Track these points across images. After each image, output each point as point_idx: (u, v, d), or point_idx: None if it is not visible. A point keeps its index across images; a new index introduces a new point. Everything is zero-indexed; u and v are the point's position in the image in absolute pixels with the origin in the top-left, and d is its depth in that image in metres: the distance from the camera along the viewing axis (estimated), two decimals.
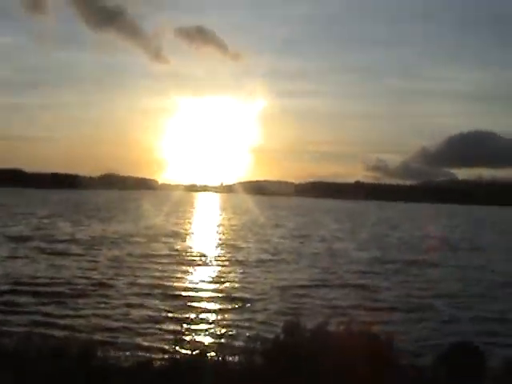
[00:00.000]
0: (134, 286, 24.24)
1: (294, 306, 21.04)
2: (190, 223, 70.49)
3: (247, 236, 54.71)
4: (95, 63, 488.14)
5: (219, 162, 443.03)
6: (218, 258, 36.17)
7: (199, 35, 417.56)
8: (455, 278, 30.69)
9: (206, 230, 60.28)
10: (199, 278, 27.46)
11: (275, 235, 55.75)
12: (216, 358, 8.91)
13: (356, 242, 51.37)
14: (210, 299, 22.00)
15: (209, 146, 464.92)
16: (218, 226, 70.16)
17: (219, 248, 42.89)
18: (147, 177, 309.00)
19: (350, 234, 60.39)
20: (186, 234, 52.58)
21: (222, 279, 27.48)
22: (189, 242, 45.17)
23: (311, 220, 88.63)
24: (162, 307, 20.32)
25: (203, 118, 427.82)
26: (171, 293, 23.12)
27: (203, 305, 20.83)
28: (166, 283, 25.35)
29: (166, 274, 27.85)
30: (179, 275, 28.05)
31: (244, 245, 45.86)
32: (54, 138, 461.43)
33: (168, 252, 37.78)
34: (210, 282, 26.50)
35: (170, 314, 19.35)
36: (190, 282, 26.34)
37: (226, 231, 60.86)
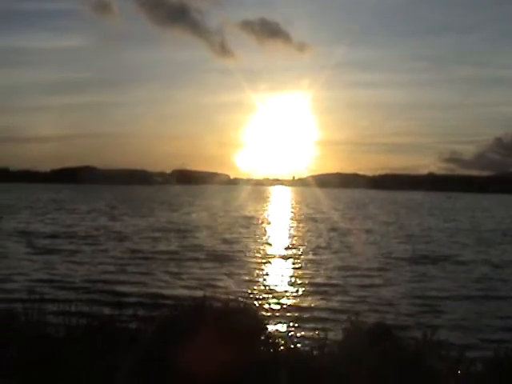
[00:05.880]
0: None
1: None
2: (232, 217, 69.36)
3: (280, 230, 54.24)
4: (163, 60, 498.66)
5: (290, 155, 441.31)
6: (210, 250, 35.25)
7: (264, 28, 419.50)
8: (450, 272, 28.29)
9: (242, 223, 59.35)
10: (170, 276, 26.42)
11: (311, 228, 55.44)
12: None
13: (388, 236, 48.85)
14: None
15: (279, 140, 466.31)
16: (256, 219, 69.10)
17: (227, 242, 41.57)
18: (219, 171, 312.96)
19: (389, 227, 57.71)
20: (213, 228, 51.75)
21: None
22: (209, 238, 43.94)
23: (363, 212, 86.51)
24: None
25: (271, 112, 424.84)
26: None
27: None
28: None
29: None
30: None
31: (264, 239, 45.07)
32: (126, 134, 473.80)
33: (169, 248, 36.84)
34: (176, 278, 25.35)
35: None
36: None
37: (262, 225, 60.00)
